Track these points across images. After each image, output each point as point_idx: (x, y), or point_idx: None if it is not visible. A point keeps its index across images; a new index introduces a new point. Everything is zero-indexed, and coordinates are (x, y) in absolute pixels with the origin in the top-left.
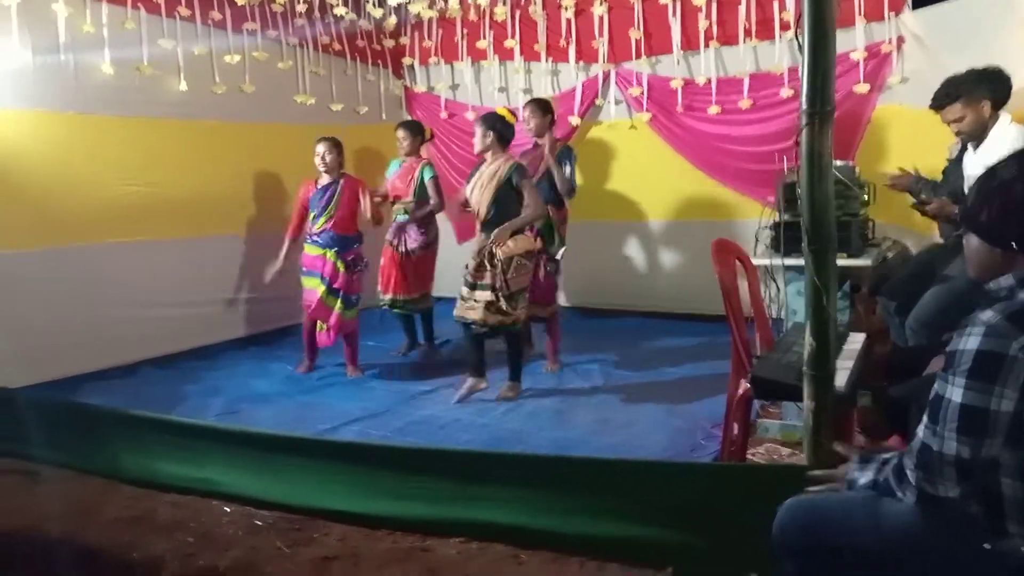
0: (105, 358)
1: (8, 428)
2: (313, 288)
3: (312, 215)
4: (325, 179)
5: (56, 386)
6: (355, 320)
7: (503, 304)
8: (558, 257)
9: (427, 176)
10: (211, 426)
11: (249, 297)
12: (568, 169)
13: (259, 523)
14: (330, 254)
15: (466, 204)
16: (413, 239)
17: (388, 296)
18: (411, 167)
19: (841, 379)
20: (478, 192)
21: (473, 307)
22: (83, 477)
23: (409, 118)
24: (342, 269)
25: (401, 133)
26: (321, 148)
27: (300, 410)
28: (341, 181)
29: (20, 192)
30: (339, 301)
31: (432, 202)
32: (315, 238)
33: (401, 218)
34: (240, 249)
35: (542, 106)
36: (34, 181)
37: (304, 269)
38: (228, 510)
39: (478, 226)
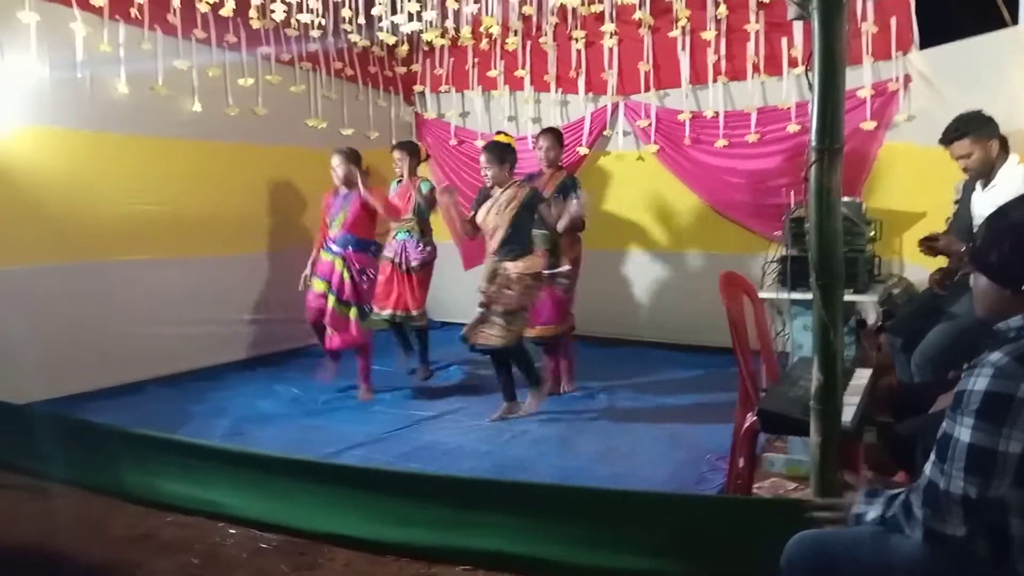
0: (112, 376)
1: (15, 443)
2: (319, 291)
3: (330, 223)
4: (343, 190)
5: (63, 402)
6: (369, 332)
7: (500, 320)
8: (562, 281)
9: (424, 188)
10: (216, 447)
11: (256, 318)
12: (575, 201)
13: (264, 546)
14: (339, 263)
15: (474, 226)
16: (414, 257)
17: (387, 312)
18: (409, 187)
19: (847, 414)
20: (494, 217)
21: (481, 331)
22: (88, 494)
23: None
24: (347, 278)
25: (397, 154)
26: (334, 161)
27: (305, 433)
28: (355, 192)
29: (36, 207)
30: (353, 309)
31: (424, 215)
32: (330, 244)
33: (401, 236)
34: (248, 270)
35: (560, 138)
36: (49, 197)
37: (317, 275)
38: (233, 532)
39: (491, 249)
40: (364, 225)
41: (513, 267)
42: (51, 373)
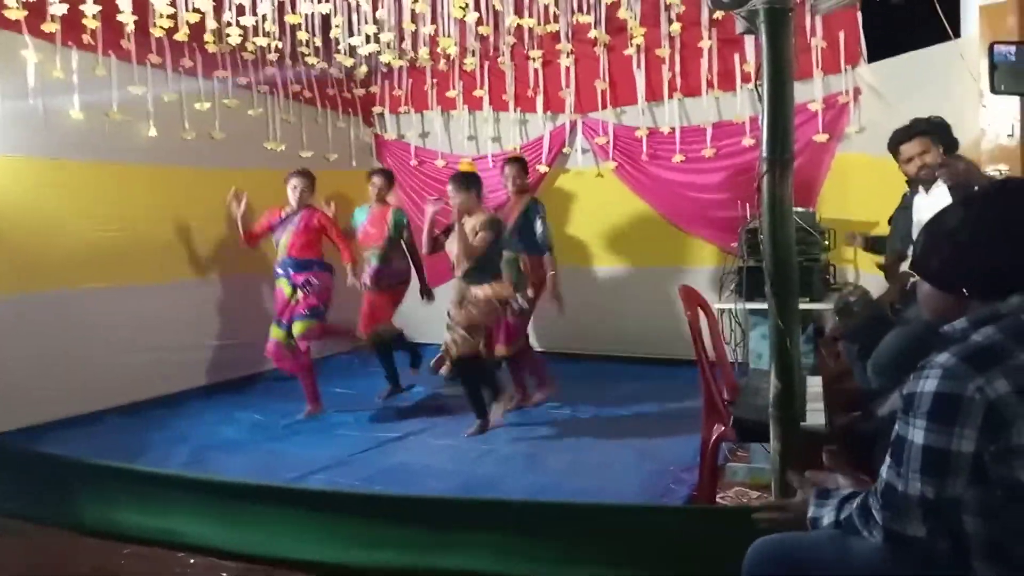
0: (70, 406)
1: None
2: (274, 337)
3: (275, 242)
4: (289, 209)
5: (20, 434)
6: (311, 330)
7: (461, 332)
8: (515, 305)
9: (404, 222)
10: (176, 475)
11: (216, 344)
12: (540, 225)
13: (225, 574)
14: (284, 284)
15: (434, 244)
16: (385, 275)
17: (363, 334)
18: (382, 213)
19: (816, 419)
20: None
21: (447, 347)
22: (42, 529)
23: (379, 165)
24: (288, 293)
25: (379, 180)
26: (298, 181)
27: (267, 458)
28: (302, 211)
29: None
30: (285, 332)
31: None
32: (277, 269)
33: (375, 261)
34: (207, 295)
35: (526, 166)
36: (3, 226)
37: (276, 316)
38: (194, 561)
39: (458, 275)
40: (303, 245)
41: (480, 290)
42: (8, 405)
